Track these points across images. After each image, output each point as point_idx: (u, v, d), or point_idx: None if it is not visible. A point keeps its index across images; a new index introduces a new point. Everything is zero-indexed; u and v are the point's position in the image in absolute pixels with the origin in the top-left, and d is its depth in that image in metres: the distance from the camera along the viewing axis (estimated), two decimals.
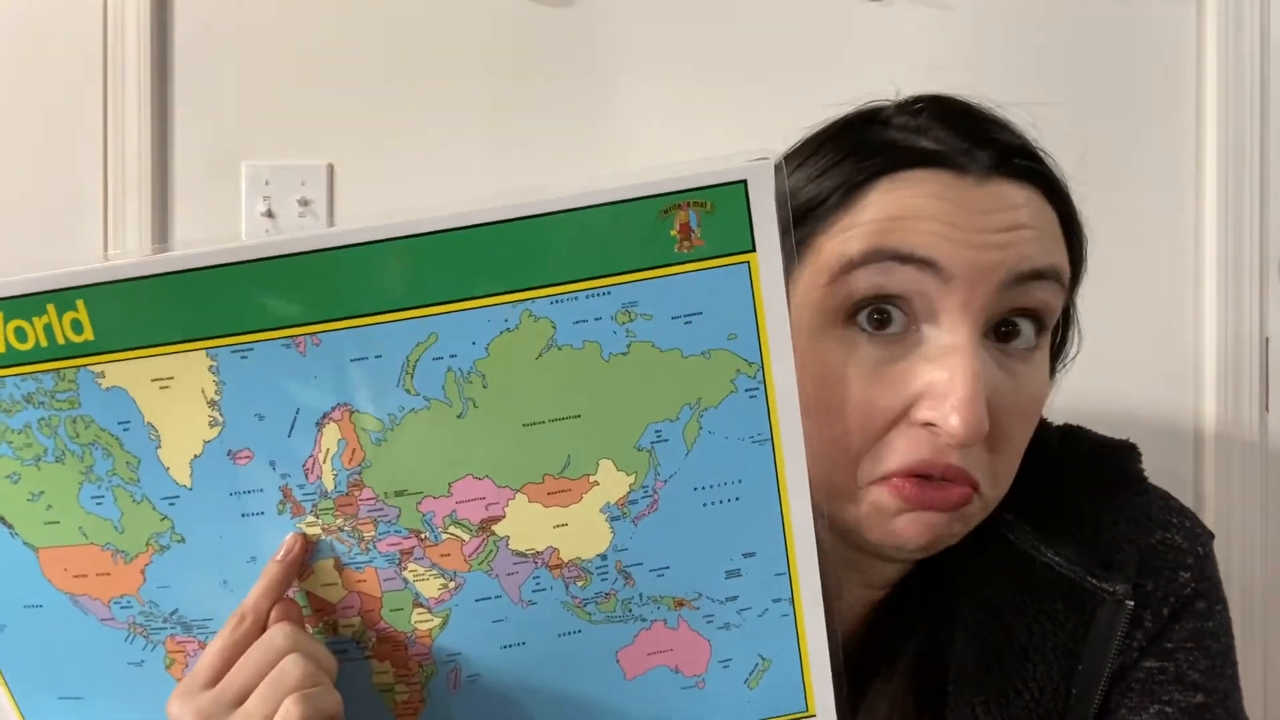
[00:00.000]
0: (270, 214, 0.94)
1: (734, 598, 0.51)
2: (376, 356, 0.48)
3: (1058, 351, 0.63)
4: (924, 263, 0.53)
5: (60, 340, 0.49)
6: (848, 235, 0.55)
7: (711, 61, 0.95)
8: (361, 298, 0.47)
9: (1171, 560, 0.58)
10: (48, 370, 0.49)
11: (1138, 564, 0.57)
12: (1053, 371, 0.62)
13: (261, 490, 0.50)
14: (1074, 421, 0.67)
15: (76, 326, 0.48)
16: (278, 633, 0.48)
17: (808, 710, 0.53)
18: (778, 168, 0.47)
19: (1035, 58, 0.95)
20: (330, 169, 0.95)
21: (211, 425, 0.49)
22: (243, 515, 0.50)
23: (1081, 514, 0.59)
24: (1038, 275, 0.55)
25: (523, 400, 0.48)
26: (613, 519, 0.50)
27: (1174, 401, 0.94)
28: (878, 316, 0.54)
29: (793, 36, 0.95)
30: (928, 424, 0.53)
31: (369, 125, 0.95)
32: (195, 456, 0.50)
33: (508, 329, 0.48)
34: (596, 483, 0.49)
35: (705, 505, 0.50)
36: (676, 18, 0.95)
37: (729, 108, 0.95)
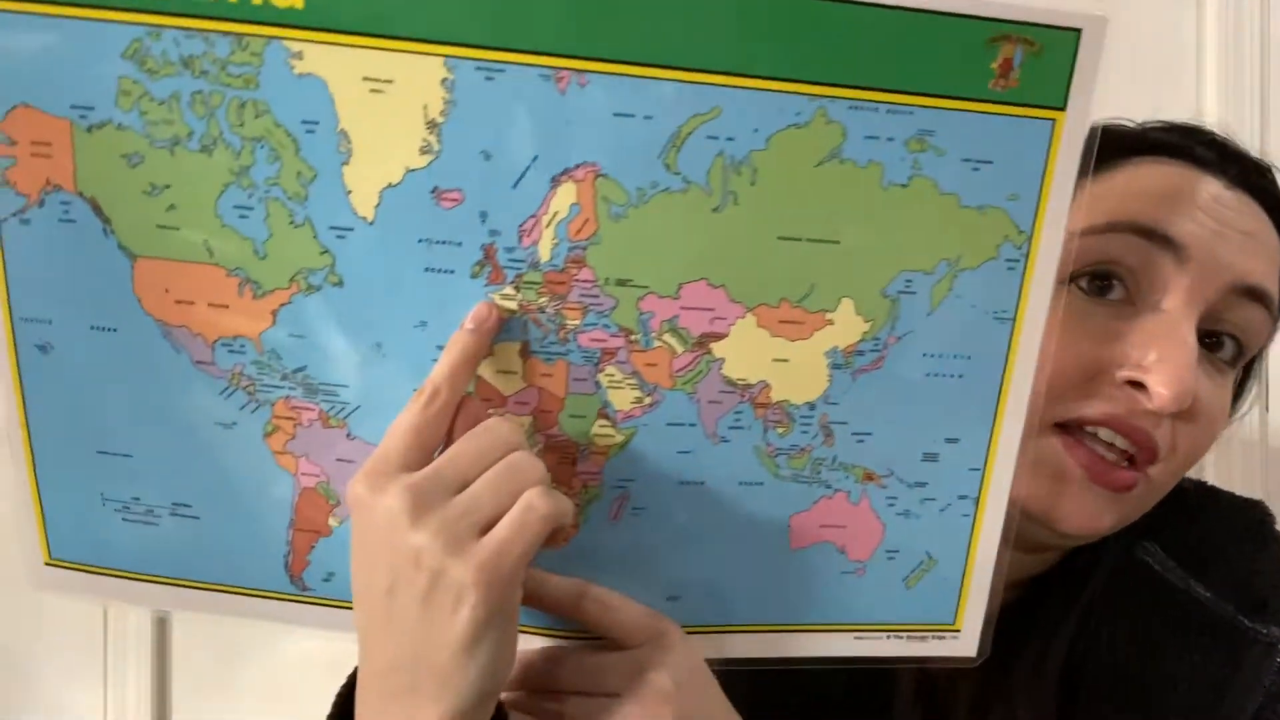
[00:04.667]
0: None
1: (923, 484, 0.47)
2: (646, 117, 0.41)
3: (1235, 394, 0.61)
4: (1168, 240, 0.51)
5: (257, 0, 0.39)
6: (1091, 200, 0.52)
7: None
8: (644, 40, 0.40)
9: None
10: (226, 32, 0.39)
11: None
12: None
13: (460, 244, 0.42)
14: None
15: None
16: (503, 425, 0.41)
17: (955, 624, 0.50)
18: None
19: None
20: None
21: (423, 151, 0.41)
22: (426, 269, 0.42)
23: (1230, 558, 0.58)
24: (1258, 294, 0.54)
25: (787, 209, 0.43)
26: (834, 366, 0.45)
27: None
28: (1099, 283, 0.53)
29: None
30: (1132, 382, 0.51)
31: None
32: (390, 185, 0.41)
33: (796, 124, 0.42)
34: (831, 322, 0.44)
35: (928, 375, 0.46)
36: None
37: None
